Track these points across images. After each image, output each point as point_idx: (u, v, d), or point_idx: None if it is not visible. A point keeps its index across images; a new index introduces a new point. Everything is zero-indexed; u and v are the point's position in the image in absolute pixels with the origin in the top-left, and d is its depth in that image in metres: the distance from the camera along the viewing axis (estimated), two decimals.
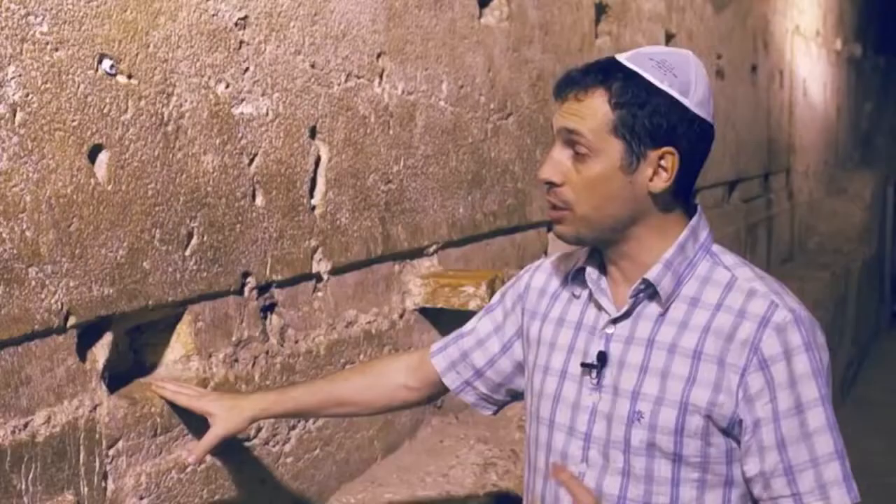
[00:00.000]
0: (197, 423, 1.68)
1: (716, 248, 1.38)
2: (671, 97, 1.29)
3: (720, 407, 1.28)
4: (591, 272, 1.40)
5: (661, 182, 1.30)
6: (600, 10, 3.52)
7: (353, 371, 1.79)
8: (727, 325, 1.29)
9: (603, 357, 1.36)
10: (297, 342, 1.99)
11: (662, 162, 1.30)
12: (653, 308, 1.34)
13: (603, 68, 1.31)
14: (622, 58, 1.33)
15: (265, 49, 1.85)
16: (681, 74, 1.30)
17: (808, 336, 1.29)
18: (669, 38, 4.23)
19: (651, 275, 1.33)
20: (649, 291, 1.34)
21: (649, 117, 1.28)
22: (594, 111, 1.29)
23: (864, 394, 7.15)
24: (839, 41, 8.45)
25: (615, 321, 1.36)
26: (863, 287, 7.69)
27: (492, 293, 2.32)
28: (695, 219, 1.36)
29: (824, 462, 1.27)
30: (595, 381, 1.36)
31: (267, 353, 1.90)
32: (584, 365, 1.37)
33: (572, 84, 1.32)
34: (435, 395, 1.66)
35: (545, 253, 3.05)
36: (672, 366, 1.31)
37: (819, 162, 8.06)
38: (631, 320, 1.35)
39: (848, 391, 7.10)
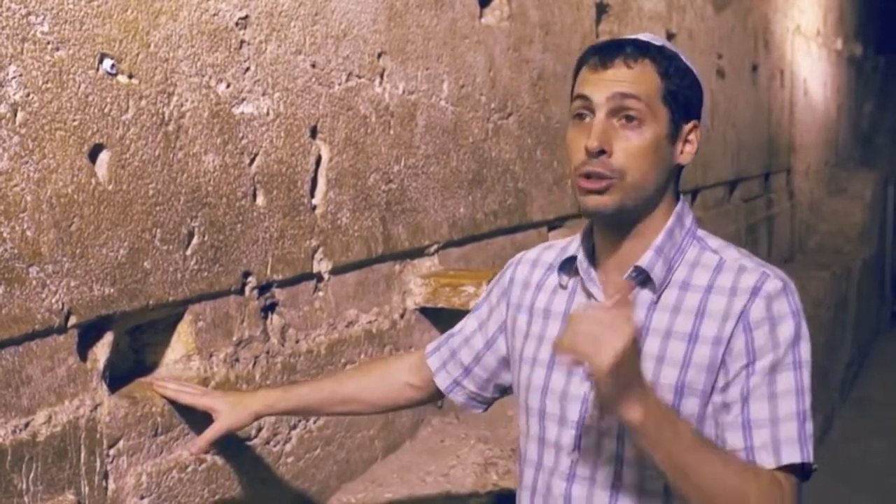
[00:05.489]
0: (198, 423, 1.68)
1: (701, 232, 1.40)
2: (695, 74, 1.38)
3: (714, 385, 1.30)
4: (583, 261, 1.41)
5: (688, 155, 1.37)
6: (601, 10, 3.52)
7: (358, 370, 1.80)
8: (721, 305, 1.31)
9: None
10: (297, 342, 1.99)
11: (690, 136, 1.36)
12: (645, 295, 1.35)
13: (638, 41, 1.36)
14: (643, 39, 1.37)
15: (266, 49, 1.85)
16: (687, 58, 1.40)
17: (795, 305, 1.31)
18: (670, 38, 4.22)
19: (643, 262, 1.34)
20: (641, 278, 1.35)
21: (688, 89, 1.35)
22: (647, 77, 1.32)
23: (864, 394, 7.16)
24: (840, 41, 8.45)
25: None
26: (863, 287, 7.69)
27: None
28: (679, 205, 1.39)
29: (783, 421, 1.27)
30: (587, 370, 1.36)
31: (268, 352, 1.90)
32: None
33: (620, 50, 1.33)
34: (438, 393, 1.67)
35: None
36: (667, 351, 1.31)
37: (819, 161, 8.06)
38: None
39: (848, 391, 7.10)
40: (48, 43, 1.40)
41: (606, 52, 1.33)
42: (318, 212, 2.03)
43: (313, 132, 2.00)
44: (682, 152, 1.36)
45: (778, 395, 1.28)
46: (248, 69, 1.80)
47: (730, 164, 5.30)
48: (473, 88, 2.64)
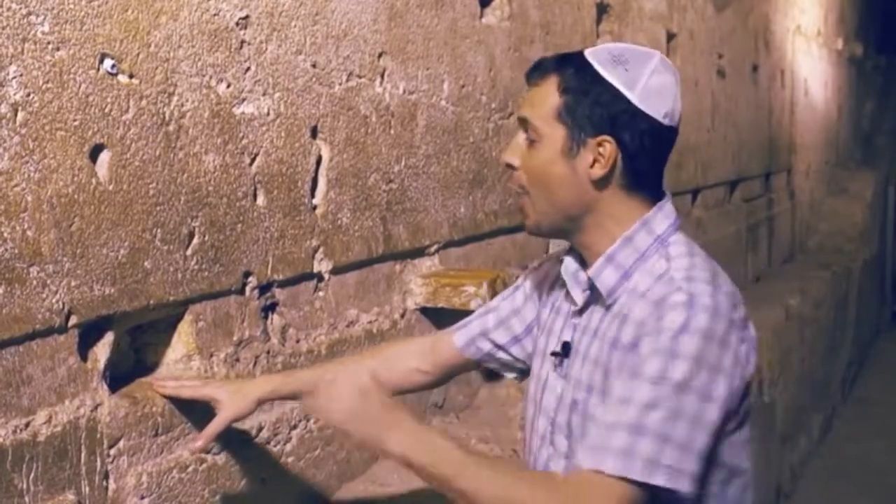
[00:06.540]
0: (199, 423, 1.68)
1: (674, 238, 1.37)
2: (615, 88, 1.32)
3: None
4: (569, 263, 1.44)
5: (599, 169, 1.34)
6: (601, 10, 3.52)
7: (365, 354, 1.82)
8: (638, 312, 1.30)
9: (566, 347, 1.41)
10: (298, 342, 1.99)
11: (600, 150, 1.33)
12: (599, 301, 1.38)
13: (562, 57, 1.39)
14: (587, 51, 1.38)
15: (266, 49, 1.85)
16: (632, 69, 1.33)
17: (694, 321, 1.23)
18: (671, 38, 4.22)
19: (591, 270, 1.37)
20: (591, 285, 1.38)
21: (591, 105, 1.32)
22: (545, 97, 1.35)
23: (864, 394, 7.15)
24: (840, 41, 8.45)
25: (580, 312, 1.41)
26: (863, 287, 7.69)
27: (493, 293, 2.33)
28: (651, 211, 1.37)
29: (617, 428, 1.22)
30: (561, 370, 1.41)
31: (268, 352, 1.90)
32: (552, 354, 1.44)
33: (534, 70, 1.39)
34: (445, 379, 1.70)
35: (546, 253, 3.05)
36: (608, 358, 1.32)
37: (820, 161, 8.05)
38: (588, 312, 1.40)
39: (848, 391, 7.10)
40: (49, 43, 1.40)
41: (529, 70, 1.41)
42: (318, 212, 2.03)
43: (314, 132, 2.00)
44: (592, 167, 1.33)
45: (619, 402, 1.23)
46: (248, 69, 1.80)
47: (730, 164, 5.30)
48: (474, 88, 2.64)
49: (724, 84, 5.06)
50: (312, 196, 2.01)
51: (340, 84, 2.08)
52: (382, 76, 2.23)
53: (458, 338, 1.64)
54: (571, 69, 1.34)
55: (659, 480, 1.20)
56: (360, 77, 2.14)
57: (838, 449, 5.92)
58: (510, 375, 1.67)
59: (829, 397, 6.35)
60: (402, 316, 2.39)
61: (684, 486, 1.21)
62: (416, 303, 2.42)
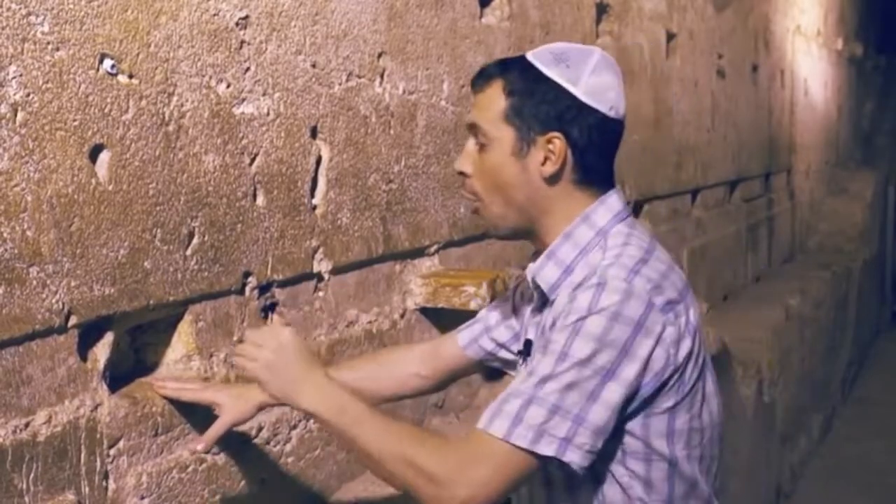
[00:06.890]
0: (199, 423, 1.68)
1: (616, 230, 1.37)
2: (559, 85, 1.35)
3: None
4: (532, 265, 1.45)
5: (551, 166, 1.36)
6: (601, 10, 3.52)
7: (365, 359, 1.83)
8: (564, 299, 1.32)
9: (528, 345, 1.45)
10: None
11: (550, 146, 1.35)
12: (543, 296, 1.41)
13: (504, 61, 1.41)
14: (528, 53, 1.40)
15: (266, 49, 1.85)
16: (574, 66, 1.36)
17: (603, 302, 1.25)
18: (670, 38, 4.22)
19: (534, 267, 1.40)
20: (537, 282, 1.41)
21: (537, 103, 1.35)
22: (491, 101, 1.38)
23: (864, 394, 7.15)
24: (840, 41, 8.44)
25: (539, 310, 1.44)
26: (863, 287, 7.69)
27: (493, 293, 2.33)
28: (593, 205, 1.38)
29: (514, 396, 1.25)
30: (524, 367, 1.45)
31: None
32: (517, 353, 1.51)
33: (479, 77, 1.41)
34: (445, 384, 1.72)
35: None
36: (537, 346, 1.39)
37: (820, 161, 8.05)
38: (544, 310, 1.42)
39: (848, 391, 7.10)
40: (48, 43, 1.40)
41: (474, 80, 1.43)
42: (318, 212, 2.03)
43: (313, 132, 2.00)
44: (544, 164, 1.36)
45: (527, 373, 1.27)
46: (248, 69, 1.80)
47: (730, 164, 5.30)
48: None
49: (724, 84, 5.06)
50: (312, 196, 2.02)
51: (340, 84, 2.08)
52: (382, 76, 2.23)
53: (461, 338, 1.66)
54: (515, 71, 1.37)
55: (545, 450, 1.22)
56: (359, 77, 2.14)
57: (838, 449, 5.91)
58: (513, 373, 1.68)
59: (829, 397, 6.35)
60: (402, 316, 2.39)
61: (575, 458, 1.22)
62: (416, 303, 2.42)
